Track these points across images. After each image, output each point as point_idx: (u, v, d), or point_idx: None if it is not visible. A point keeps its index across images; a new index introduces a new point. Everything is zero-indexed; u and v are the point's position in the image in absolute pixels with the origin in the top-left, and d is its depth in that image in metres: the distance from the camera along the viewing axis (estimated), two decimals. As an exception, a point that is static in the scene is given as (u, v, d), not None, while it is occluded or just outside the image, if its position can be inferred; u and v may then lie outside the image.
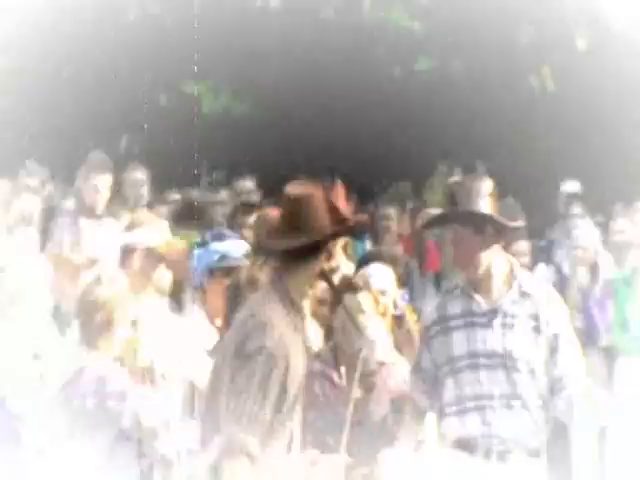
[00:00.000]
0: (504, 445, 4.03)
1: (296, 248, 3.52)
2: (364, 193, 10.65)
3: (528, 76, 12.30)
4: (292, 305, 3.61)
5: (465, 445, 4.07)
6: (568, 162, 11.80)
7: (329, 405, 4.48)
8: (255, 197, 8.70)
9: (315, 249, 3.54)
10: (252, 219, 6.41)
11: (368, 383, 4.51)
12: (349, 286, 4.56)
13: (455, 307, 4.20)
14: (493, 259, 4.11)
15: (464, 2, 12.04)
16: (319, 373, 4.54)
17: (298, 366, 3.61)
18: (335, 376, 4.58)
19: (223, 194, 8.80)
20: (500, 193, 4.26)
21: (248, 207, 7.21)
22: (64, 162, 10.41)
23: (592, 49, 11.87)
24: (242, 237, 5.99)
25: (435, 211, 5.83)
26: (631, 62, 11.70)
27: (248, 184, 8.65)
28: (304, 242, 3.50)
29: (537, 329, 4.10)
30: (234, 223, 7.07)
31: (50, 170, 10.27)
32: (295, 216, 3.52)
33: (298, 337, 3.65)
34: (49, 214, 7.72)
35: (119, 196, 7.80)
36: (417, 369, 4.31)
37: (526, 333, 4.10)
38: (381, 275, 4.98)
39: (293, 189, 3.55)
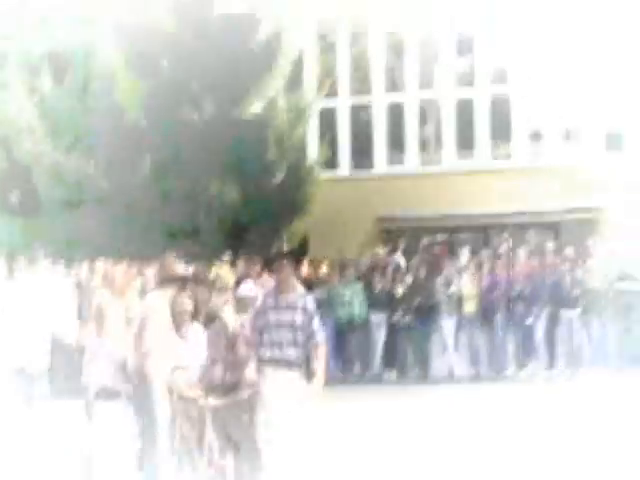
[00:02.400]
0: (289, 360, 7.87)
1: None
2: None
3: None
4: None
5: (272, 361, 7.91)
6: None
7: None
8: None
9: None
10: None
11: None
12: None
13: (271, 301, 8.10)
14: (292, 278, 8.23)
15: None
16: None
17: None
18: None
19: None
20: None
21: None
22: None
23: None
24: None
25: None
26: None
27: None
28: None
29: (306, 310, 7.99)
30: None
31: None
32: None
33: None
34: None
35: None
36: (253, 327, 8.11)
37: (302, 312, 7.98)
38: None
39: None
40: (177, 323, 8.04)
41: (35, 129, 19.72)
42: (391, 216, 25.74)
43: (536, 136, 27.46)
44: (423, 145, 28.69)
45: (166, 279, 7.68)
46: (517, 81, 27.00)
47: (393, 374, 16.14)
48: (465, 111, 27.62)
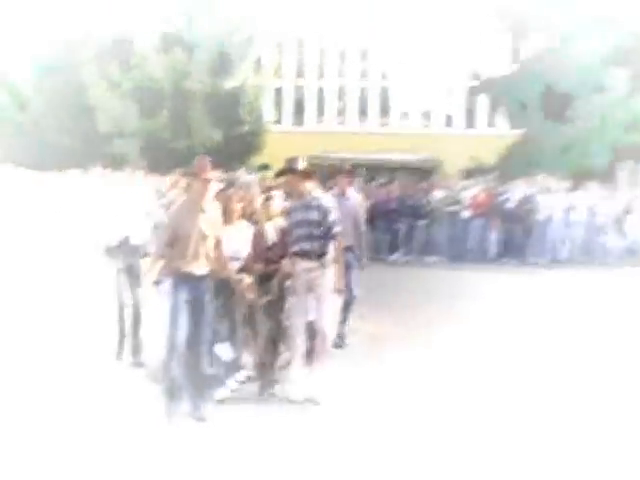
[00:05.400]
0: (307, 252, 6.47)
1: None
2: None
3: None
4: (192, 204, 6.04)
5: (298, 253, 6.62)
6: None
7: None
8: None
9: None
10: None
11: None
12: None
13: (295, 204, 6.70)
14: (305, 185, 6.65)
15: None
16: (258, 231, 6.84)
17: (185, 229, 5.84)
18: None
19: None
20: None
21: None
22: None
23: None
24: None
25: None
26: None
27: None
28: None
29: (319, 208, 6.61)
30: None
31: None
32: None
33: (192, 217, 5.89)
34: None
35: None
36: (288, 226, 6.82)
37: (316, 210, 6.61)
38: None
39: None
40: (228, 218, 6.52)
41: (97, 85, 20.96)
42: (315, 156, 26.75)
43: (405, 114, 30.20)
44: (338, 113, 30.74)
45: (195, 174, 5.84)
46: (395, 79, 29.09)
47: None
48: (364, 95, 30.20)
